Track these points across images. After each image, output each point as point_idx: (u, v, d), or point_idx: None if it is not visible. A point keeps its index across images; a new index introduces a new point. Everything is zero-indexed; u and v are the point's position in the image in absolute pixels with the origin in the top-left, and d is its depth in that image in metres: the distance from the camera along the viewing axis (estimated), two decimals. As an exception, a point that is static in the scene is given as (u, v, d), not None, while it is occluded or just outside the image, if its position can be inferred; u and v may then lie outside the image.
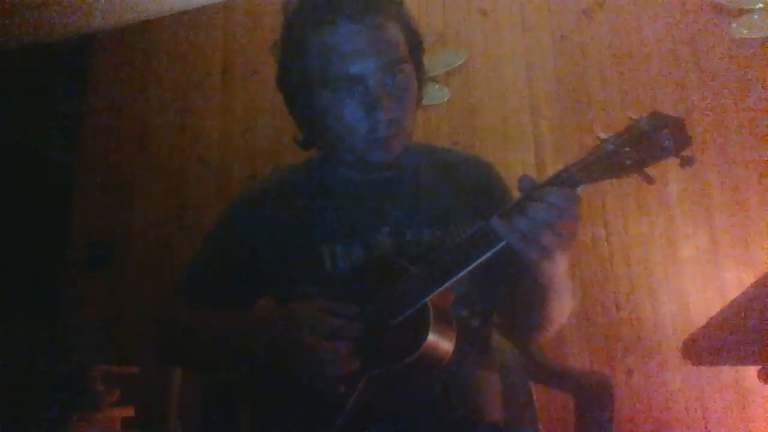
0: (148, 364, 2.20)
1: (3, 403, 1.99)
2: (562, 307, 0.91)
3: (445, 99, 2.45)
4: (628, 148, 0.71)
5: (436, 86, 2.45)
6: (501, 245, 0.75)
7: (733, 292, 1.90)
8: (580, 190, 0.73)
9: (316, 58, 0.90)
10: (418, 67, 0.97)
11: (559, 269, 0.79)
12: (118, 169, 2.93)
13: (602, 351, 2.03)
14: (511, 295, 0.95)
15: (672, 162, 0.70)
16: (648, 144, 0.70)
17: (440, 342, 0.81)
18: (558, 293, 0.85)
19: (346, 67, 0.87)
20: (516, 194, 0.77)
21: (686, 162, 0.70)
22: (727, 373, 1.89)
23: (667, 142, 0.69)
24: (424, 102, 1.04)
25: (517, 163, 2.29)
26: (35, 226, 3.29)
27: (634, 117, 0.72)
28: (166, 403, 1.91)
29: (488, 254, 0.77)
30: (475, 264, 0.78)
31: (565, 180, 0.73)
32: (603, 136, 0.73)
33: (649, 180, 0.71)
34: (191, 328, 1.00)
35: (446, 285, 0.79)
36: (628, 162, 0.71)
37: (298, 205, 1.01)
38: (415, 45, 0.96)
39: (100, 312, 2.69)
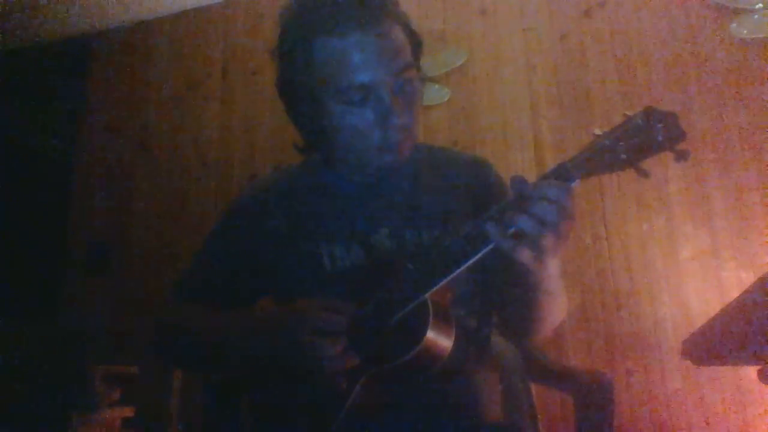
0: (148, 364, 2.20)
1: (3, 403, 1.99)
2: (555, 309, 0.91)
3: (445, 99, 2.45)
4: (622, 143, 0.71)
5: (436, 86, 2.45)
6: (491, 245, 0.75)
7: (733, 292, 1.90)
8: (576, 185, 0.73)
9: (323, 69, 0.89)
10: (419, 67, 0.97)
11: (550, 271, 0.79)
12: (118, 169, 2.93)
13: (602, 351, 2.03)
14: (506, 295, 0.95)
15: (667, 156, 0.71)
16: (642, 138, 0.71)
17: (439, 339, 0.81)
18: (550, 295, 0.85)
19: (357, 76, 0.86)
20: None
21: (681, 156, 0.70)
22: (727, 373, 1.89)
23: (661, 136, 0.70)
24: (424, 102, 1.04)
25: (517, 163, 2.29)
26: (35, 226, 3.29)
27: (629, 113, 0.73)
28: (166, 403, 1.91)
29: (482, 253, 0.77)
30: (471, 262, 0.78)
31: (561, 175, 0.73)
32: (598, 131, 0.74)
33: (644, 174, 0.72)
34: (191, 328, 1.00)
35: (444, 282, 0.80)
36: (623, 156, 0.72)
37: (298, 205, 1.01)
38: (416, 46, 0.96)
39: (100, 312, 2.69)
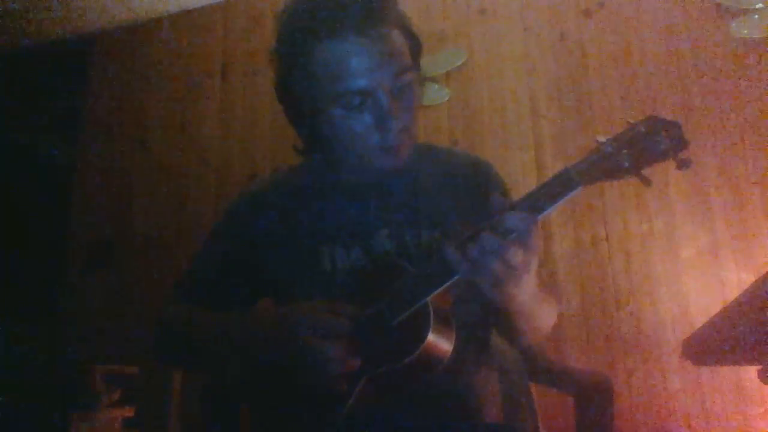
0: (148, 364, 2.20)
1: (3, 403, 1.99)
2: (535, 323, 0.91)
3: (445, 99, 2.45)
4: (625, 151, 0.72)
5: (436, 86, 2.45)
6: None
7: (733, 292, 1.90)
8: (577, 193, 0.74)
9: (322, 73, 0.89)
10: (418, 69, 0.97)
11: (518, 296, 0.78)
12: (118, 169, 2.92)
13: (602, 351, 2.03)
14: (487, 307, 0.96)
15: (669, 164, 0.71)
16: (645, 147, 0.71)
17: (440, 342, 0.81)
18: (525, 315, 0.86)
19: (355, 81, 0.86)
20: (515, 194, 0.77)
21: (683, 164, 0.70)
22: (727, 373, 1.89)
23: (663, 145, 0.70)
24: (424, 102, 1.04)
25: (517, 163, 2.29)
26: (35, 226, 3.29)
27: (631, 121, 0.73)
28: (166, 403, 1.91)
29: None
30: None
31: (564, 181, 0.74)
32: (601, 139, 0.74)
33: (646, 182, 0.72)
34: (190, 329, 1.00)
35: (445, 286, 0.80)
36: (625, 164, 0.72)
37: (298, 206, 1.01)
38: (415, 48, 0.96)
39: (100, 312, 2.69)
